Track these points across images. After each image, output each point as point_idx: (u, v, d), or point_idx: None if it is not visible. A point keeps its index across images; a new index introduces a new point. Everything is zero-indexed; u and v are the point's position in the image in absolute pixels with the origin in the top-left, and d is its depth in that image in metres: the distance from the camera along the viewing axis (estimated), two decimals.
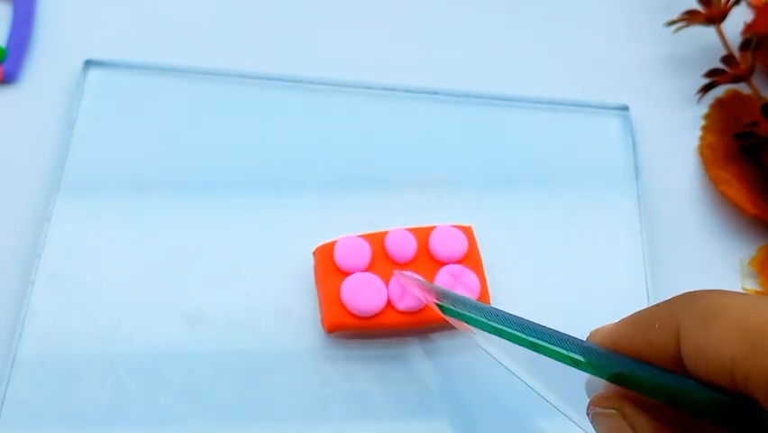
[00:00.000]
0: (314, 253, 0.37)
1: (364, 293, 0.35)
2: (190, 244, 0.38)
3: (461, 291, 0.36)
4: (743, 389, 0.22)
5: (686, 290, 0.25)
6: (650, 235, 0.41)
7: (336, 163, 0.41)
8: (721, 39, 0.45)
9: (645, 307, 0.26)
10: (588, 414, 0.26)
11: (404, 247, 0.37)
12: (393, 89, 0.43)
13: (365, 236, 0.37)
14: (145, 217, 0.39)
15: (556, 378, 0.29)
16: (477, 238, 0.38)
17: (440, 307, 0.34)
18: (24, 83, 0.43)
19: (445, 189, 0.41)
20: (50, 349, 0.35)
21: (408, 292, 0.35)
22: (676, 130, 0.45)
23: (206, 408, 0.35)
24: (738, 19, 0.47)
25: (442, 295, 0.34)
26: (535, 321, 0.28)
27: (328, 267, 0.36)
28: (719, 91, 0.45)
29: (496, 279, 0.38)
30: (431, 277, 0.36)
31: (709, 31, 0.46)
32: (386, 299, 0.35)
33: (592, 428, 0.26)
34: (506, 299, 0.38)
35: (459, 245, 0.37)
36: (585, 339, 0.27)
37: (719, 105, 0.45)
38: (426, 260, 0.37)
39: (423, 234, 0.37)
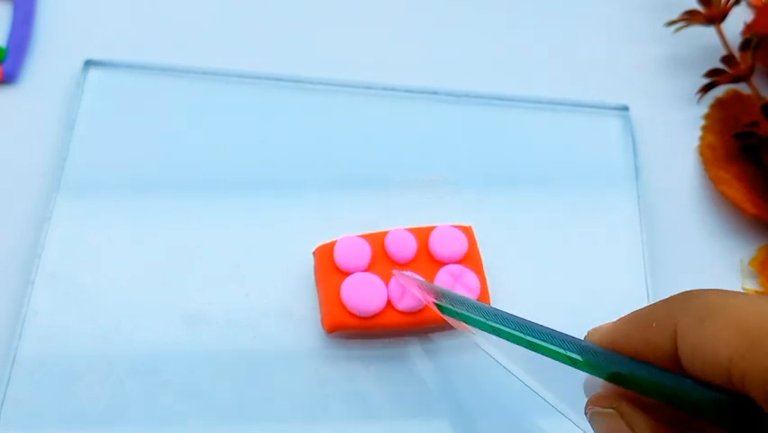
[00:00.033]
0: (314, 253, 0.37)
1: (364, 293, 0.35)
2: (190, 244, 0.38)
3: (460, 291, 0.36)
4: (740, 388, 0.22)
5: (685, 290, 0.25)
6: (650, 235, 0.41)
7: (336, 163, 0.41)
8: (721, 39, 0.45)
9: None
10: (586, 413, 0.26)
11: (404, 247, 0.37)
12: (393, 89, 0.43)
13: (365, 236, 0.37)
14: (145, 217, 0.39)
15: (554, 378, 0.29)
16: (477, 238, 0.38)
17: (438, 306, 0.34)
18: (24, 83, 0.43)
19: (445, 189, 0.41)
20: (50, 349, 0.35)
21: (408, 292, 0.35)
22: (676, 130, 0.45)
23: (206, 408, 0.35)
24: (738, 19, 0.47)
25: (440, 295, 0.34)
26: (535, 321, 0.28)
27: (328, 267, 0.36)
28: (719, 91, 0.45)
29: (496, 279, 0.38)
30: (431, 277, 0.36)
31: (709, 31, 0.46)
32: (386, 299, 0.35)
33: (590, 427, 0.26)
34: (506, 299, 0.38)
35: (459, 245, 0.37)
36: (583, 338, 0.27)
37: (719, 105, 0.45)
38: (426, 260, 0.37)
39: (423, 234, 0.37)
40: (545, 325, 0.28)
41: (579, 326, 0.28)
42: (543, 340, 0.27)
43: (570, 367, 0.26)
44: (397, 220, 0.38)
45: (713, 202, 0.43)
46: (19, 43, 0.43)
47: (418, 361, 0.36)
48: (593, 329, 0.27)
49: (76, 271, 0.37)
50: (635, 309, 0.26)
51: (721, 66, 0.44)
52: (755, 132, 0.42)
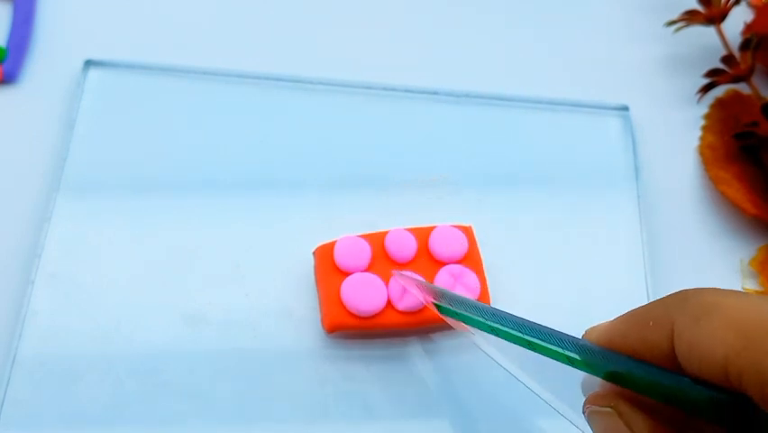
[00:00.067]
0: (314, 253, 0.37)
1: (364, 293, 0.35)
2: (190, 244, 0.38)
3: (460, 291, 0.36)
4: (736, 386, 0.22)
5: (682, 289, 0.25)
6: (650, 235, 0.41)
7: (336, 163, 0.41)
8: (721, 39, 0.45)
9: None
10: (584, 412, 0.26)
11: (404, 247, 0.37)
12: (393, 89, 0.43)
13: (365, 236, 0.37)
14: (145, 217, 0.39)
15: (553, 377, 0.29)
16: (477, 238, 0.38)
17: (438, 307, 0.34)
18: (24, 83, 0.43)
19: (445, 189, 0.41)
20: (50, 349, 0.35)
21: (408, 292, 0.35)
22: (676, 130, 0.45)
23: (206, 408, 0.35)
24: (738, 19, 0.47)
25: (440, 295, 0.34)
26: (534, 321, 0.28)
27: (328, 267, 0.36)
28: (719, 91, 0.45)
29: (496, 279, 0.38)
30: (431, 277, 0.36)
31: (709, 31, 0.46)
32: (386, 299, 0.35)
33: (588, 427, 0.26)
34: (506, 299, 0.38)
35: (459, 245, 0.37)
36: (581, 338, 0.27)
37: (719, 105, 0.45)
38: (426, 260, 0.37)
39: (423, 235, 0.37)
40: (545, 324, 0.28)
41: (579, 326, 0.28)
42: (541, 339, 0.27)
43: (568, 367, 0.26)
44: (397, 220, 0.38)
45: (713, 202, 0.43)
46: (19, 43, 0.43)
47: (418, 361, 0.36)
48: (590, 328, 0.27)
49: (76, 271, 0.37)
50: (632, 308, 0.26)
51: (721, 66, 0.44)
52: (755, 132, 0.42)
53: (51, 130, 0.41)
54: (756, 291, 0.40)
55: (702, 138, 0.44)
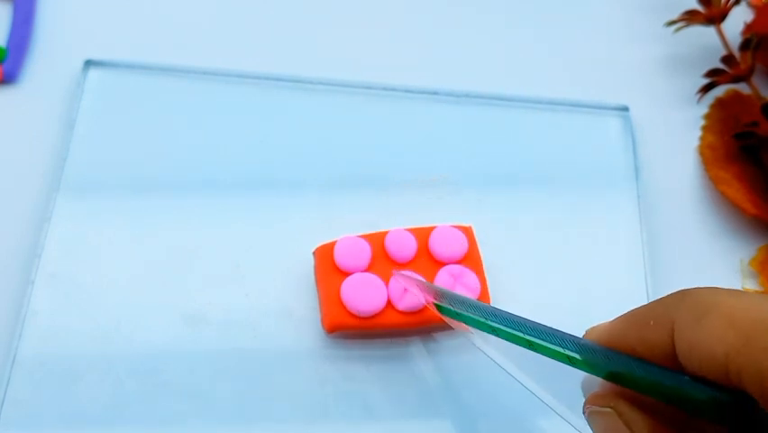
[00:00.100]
0: (314, 253, 0.37)
1: (364, 293, 0.35)
2: (190, 244, 0.38)
3: (460, 291, 0.36)
4: (737, 384, 0.22)
5: (682, 289, 0.25)
6: (650, 235, 0.41)
7: (336, 163, 0.41)
8: (721, 39, 0.45)
9: None
10: (584, 413, 0.26)
11: (404, 247, 0.37)
12: (393, 89, 0.43)
13: (365, 236, 0.37)
14: (145, 217, 0.39)
15: (552, 378, 0.29)
16: (477, 238, 0.38)
17: (438, 307, 0.34)
18: (24, 83, 0.43)
19: (445, 189, 0.41)
20: (50, 349, 0.35)
21: (408, 292, 0.35)
22: (676, 130, 0.45)
23: (206, 408, 0.35)
24: (738, 19, 0.46)
25: (440, 295, 0.34)
26: (535, 321, 0.28)
27: (328, 267, 0.36)
28: (719, 91, 0.45)
29: (496, 279, 0.38)
30: (431, 277, 0.36)
31: (709, 31, 0.46)
32: (386, 299, 0.35)
33: (588, 427, 0.26)
34: (506, 299, 0.38)
35: (459, 245, 0.37)
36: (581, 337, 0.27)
37: (719, 105, 0.45)
38: (426, 260, 0.37)
39: (423, 235, 0.37)
40: (545, 324, 0.28)
41: (579, 325, 0.28)
42: (542, 339, 0.27)
43: (568, 368, 0.26)
44: (397, 220, 0.38)
45: (713, 202, 0.43)
46: (19, 43, 0.43)
47: (419, 361, 0.36)
48: (590, 328, 0.27)
49: (76, 271, 0.37)
50: (632, 308, 0.26)
51: (721, 66, 0.44)
52: (755, 132, 0.42)
53: (51, 130, 0.41)
54: (756, 291, 0.40)
55: (702, 138, 0.44)
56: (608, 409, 0.25)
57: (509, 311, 0.30)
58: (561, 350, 0.26)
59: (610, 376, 0.25)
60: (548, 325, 0.28)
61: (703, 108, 0.45)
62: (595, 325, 0.27)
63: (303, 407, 0.35)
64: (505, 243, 0.39)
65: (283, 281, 0.38)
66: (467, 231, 0.38)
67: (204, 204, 0.39)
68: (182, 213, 0.39)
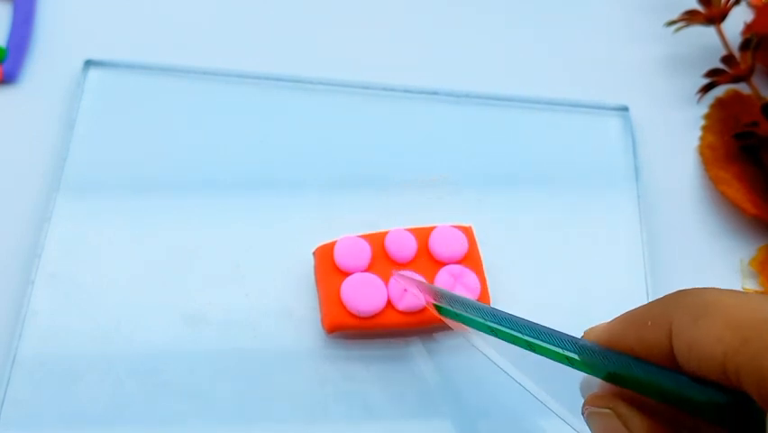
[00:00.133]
0: (314, 253, 0.37)
1: (364, 293, 0.35)
2: (190, 244, 0.38)
3: (461, 291, 0.36)
4: (735, 384, 0.22)
5: (680, 289, 0.25)
6: (650, 235, 0.41)
7: (336, 163, 0.41)
8: (721, 39, 0.45)
9: None
10: (583, 414, 0.26)
11: (404, 247, 0.37)
12: (393, 89, 0.43)
13: (365, 236, 0.37)
14: (145, 217, 0.39)
15: (552, 379, 0.29)
16: (477, 238, 0.38)
17: (437, 308, 0.34)
18: (24, 83, 0.43)
19: (445, 189, 0.41)
20: (50, 349, 0.35)
21: (408, 292, 0.35)
22: (676, 130, 0.45)
23: (206, 408, 0.35)
24: (738, 19, 0.46)
25: (440, 296, 0.34)
26: (535, 321, 0.28)
27: (328, 267, 0.36)
28: (719, 91, 0.45)
29: (496, 279, 0.38)
30: (431, 277, 0.36)
31: (709, 31, 0.46)
32: (386, 299, 0.35)
33: (587, 429, 0.26)
34: (506, 299, 0.38)
35: (459, 245, 0.37)
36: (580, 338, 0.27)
37: (719, 105, 0.45)
38: (426, 260, 0.37)
39: (423, 235, 0.37)
40: (545, 325, 0.28)
41: (579, 326, 0.28)
42: (540, 340, 0.27)
43: (567, 369, 0.26)
44: (397, 220, 0.38)
45: (713, 202, 0.43)
46: (19, 43, 0.43)
47: (419, 361, 0.36)
48: (589, 329, 0.27)
49: (76, 271, 0.37)
50: (631, 309, 0.26)
51: (721, 66, 0.44)
52: (755, 132, 0.42)
53: (51, 130, 0.41)
54: (756, 291, 0.40)
55: (702, 138, 0.44)
56: (607, 410, 0.25)
57: (509, 312, 0.30)
58: (560, 351, 0.26)
59: (609, 377, 0.25)
60: (548, 325, 0.28)
61: (703, 108, 0.45)
62: (594, 325, 0.27)
63: (303, 407, 0.35)
64: (505, 243, 0.39)
65: (283, 281, 0.38)
66: (467, 231, 0.38)
67: (204, 204, 0.39)
68: (182, 213, 0.39)
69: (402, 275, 0.36)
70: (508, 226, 0.40)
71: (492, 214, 0.40)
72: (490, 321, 0.30)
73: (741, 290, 0.40)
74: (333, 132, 0.42)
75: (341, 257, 0.36)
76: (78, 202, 0.38)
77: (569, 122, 0.44)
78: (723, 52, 0.45)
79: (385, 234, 0.37)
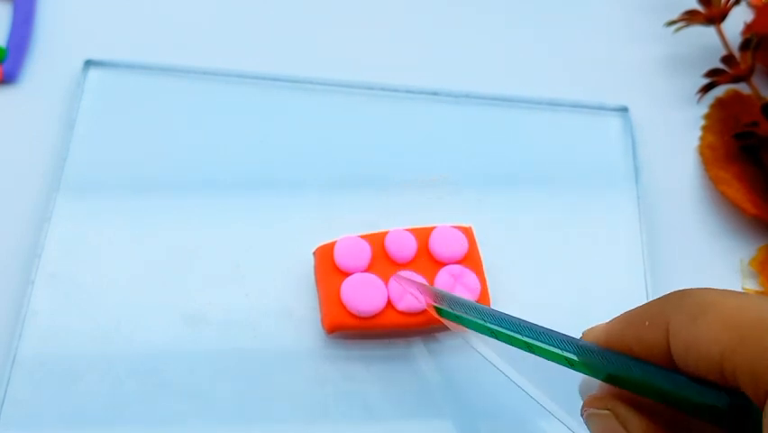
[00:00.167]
0: (314, 253, 0.37)
1: (364, 293, 0.35)
2: (190, 244, 0.38)
3: (461, 292, 0.36)
4: (732, 383, 0.22)
5: (677, 289, 0.25)
6: (650, 235, 0.41)
7: (336, 163, 0.41)
8: (721, 39, 0.45)
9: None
10: (582, 415, 0.26)
11: (404, 247, 0.37)
12: (393, 90, 0.43)
13: (365, 237, 0.37)
14: (145, 217, 0.39)
15: (551, 381, 0.29)
16: (477, 238, 0.38)
17: (437, 309, 0.34)
18: (24, 83, 0.43)
19: (445, 189, 0.41)
20: (50, 349, 0.35)
21: (408, 292, 0.35)
22: (676, 130, 0.45)
23: (206, 408, 0.35)
24: (738, 19, 0.46)
25: (439, 297, 0.34)
26: (535, 321, 0.28)
27: (328, 267, 0.36)
28: (719, 91, 0.45)
29: (496, 279, 0.38)
30: (431, 277, 0.36)
31: (709, 31, 0.46)
32: (386, 300, 0.35)
33: (586, 429, 0.26)
34: (506, 299, 0.38)
35: (459, 246, 0.37)
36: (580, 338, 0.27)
37: (719, 105, 0.45)
38: (426, 260, 0.37)
39: (423, 235, 0.37)
40: (545, 325, 0.28)
41: (579, 326, 0.28)
42: (539, 341, 0.27)
43: (566, 371, 0.26)
44: (397, 220, 0.38)
45: (713, 202, 0.43)
46: (19, 43, 0.43)
47: (419, 361, 0.36)
48: (588, 330, 0.27)
49: (76, 271, 0.37)
50: (629, 309, 0.26)
51: (721, 66, 0.44)
52: (755, 132, 0.42)
53: (51, 130, 0.41)
54: (756, 291, 0.40)
55: (702, 138, 0.44)
56: (606, 411, 0.25)
57: (509, 312, 0.30)
58: (558, 352, 0.26)
59: (608, 378, 0.25)
60: (548, 326, 0.28)
61: (703, 108, 0.45)
62: (592, 326, 0.27)
63: (303, 407, 0.35)
64: (505, 243, 0.39)
65: (283, 281, 0.38)
66: (467, 231, 0.38)
67: (204, 204, 0.39)
68: (182, 213, 0.39)
69: (402, 277, 0.35)
70: (508, 226, 0.40)
71: (492, 214, 0.40)
72: (490, 323, 0.30)
73: (741, 290, 0.40)
74: (333, 132, 0.42)
75: (341, 257, 0.36)
76: (78, 202, 0.38)
77: (569, 122, 0.44)
78: (723, 52, 0.45)
79: (385, 234, 0.37)
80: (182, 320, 0.36)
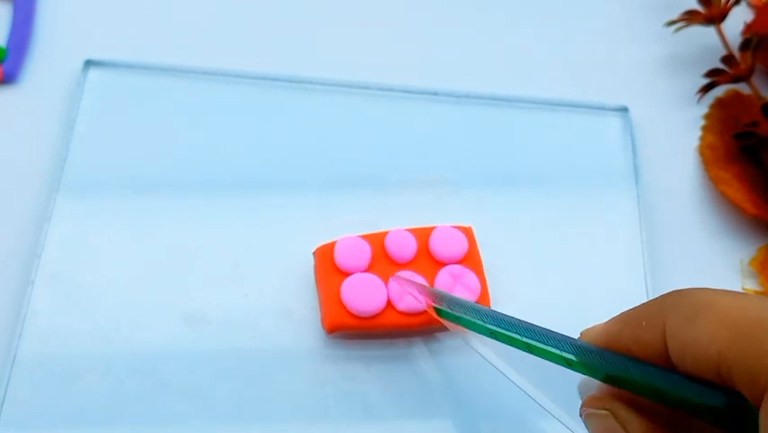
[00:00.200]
0: (314, 253, 0.37)
1: (364, 293, 0.35)
2: (190, 244, 0.38)
3: (460, 292, 0.36)
4: (729, 382, 0.22)
5: (674, 289, 0.25)
6: (650, 235, 0.41)
7: (336, 163, 0.41)
8: (721, 39, 0.45)
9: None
10: (581, 415, 0.26)
11: (404, 247, 0.37)
12: (393, 90, 0.43)
13: (365, 237, 0.37)
14: (145, 217, 0.39)
15: (550, 381, 0.29)
16: (477, 238, 0.38)
17: (436, 310, 0.34)
18: (24, 83, 0.43)
19: (445, 189, 0.41)
20: (50, 349, 0.35)
21: (408, 293, 0.35)
22: (676, 130, 0.45)
23: (206, 408, 0.35)
24: (738, 19, 0.46)
25: (438, 298, 0.34)
26: (534, 321, 0.28)
27: (328, 267, 0.36)
28: (719, 91, 0.45)
29: (496, 279, 0.38)
30: (431, 277, 0.36)
31: (709, 31, 0.46)
32: (386, 300, 0.35)
33: (585, 430, 0.26)
34: (505, 299, 0.38)
35: (459, 246, 0.37)
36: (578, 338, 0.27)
37: (719, 105, 0.45)
38: (426, 260, 0.37)
39: (423, 235, 0.37)
40: (544, 325, 0.28)
41: (578, 326, 0.28)
42: (539, 341, 0.27)
43: (565, 371, 0.26)
44: (397, 220, 0.38)
45: (713, 202, 0.43)
46: (19, 43, 0.43)
47: (419, 361, 0.36)
48: (586, 330, 0.27)
49: (76, 271, 0.37)
50: (626, 309, 0.26)
51: (721, 66, 0.44)
52: (755, 132, 0.42)
53: (51, 130, 0.41)
54: (756, 291, 0.40)
55: (702, 138, 0.44)
56: (605, 412, 0.25)
57: (509, 312, 0.30)
58: (557, 352, 0.26)
59: (606, 378, 0.25)
60: (547, 325, 0.28)
61: (703, 108, 0.45)
62: (589, 327, 0.27)
63: (303, 407, 0.35)
64: (505, 243, 0.39)
65: (283, 281, 0.38)
66: (467, 231, 0.38)
67: (203, 204, 0.39)
68: (182, 213, 0.39)
69: (401, 277, 0.35)
70: (508, 226, 0.40)
71: (492, 214, 0.40)
72: (489, 323, 0.30)
73: (741, 290, 0.40)
74: (332, 132, 0.42)
75: (341, 257, 0.36)
76: (78, 202, 0.38)
77: (569, 122, 0.44)
78: (723, 52, 0.45)
79: (385, 234, 0.37)
80: (182, 320, 0.36)
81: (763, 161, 0.42)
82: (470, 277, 0.36)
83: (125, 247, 0.38)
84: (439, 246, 0.37)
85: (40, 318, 0.36)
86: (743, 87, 0.45)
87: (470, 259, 0.37)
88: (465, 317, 0.31)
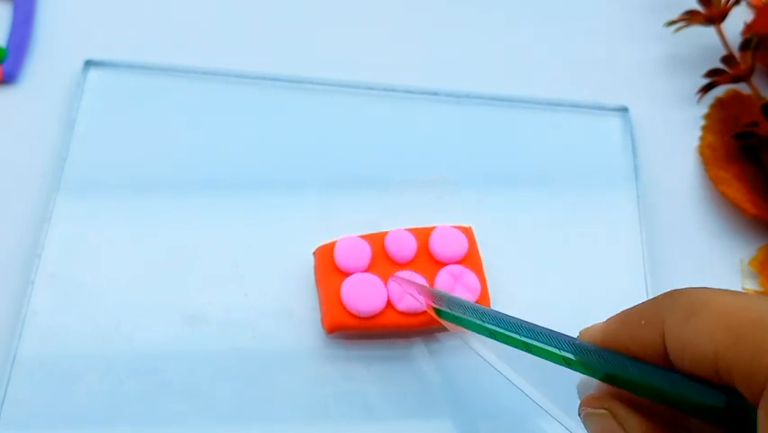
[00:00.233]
0: (314, 253, 0.37)
1: (364, 293, 0.35)
2: (190, 244, 0.38)
3: (460, 292, 0.36)
4: (727, 381, 0.22)
5: (673, 289, 0.25)
6: (650, 235, 0.41)
7: (336, 163, 0.41)
8: (721, 39, 0.45)
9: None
10: (579, 415, 0.26)
11: (404, 247, 0.37)
12: (393, 90, 0.43)
13: (365, 237, 0.37)
14: (145, 217, 0.39)
15: (549, 381, 0.29)
16: (477, 238, 0.38)
17: (436, 310, 0.34)
18: (24, 83, 0.43)
19: (445, 189, 0.41)
20: (50, 349, 0.35)
21: (407, 293, 0.35)
22: (676, 130, 0.45)
23: (206, 408, 0.35)
24: (738, 19, 0.46)
25: (437, 298, 0.34)
26: (535, 321, 0.28)
27: (328, 267, 0.36)
28: (719, 91, 0.45)
29: (496, 279, 0.38)
30: (431, 277, 0.36)
31: (709, 31, 0.46)
32: (386, 300, 0.35)
33: (584, 429, 0.26)
34: (505, 299, 0.38)
35: (459, 246, 0.37)
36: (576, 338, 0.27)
37: (719, 105, 0.45)
38: (426, 260, 0.37)
39: (423, 235, 0.37)
40: (544, 325, 0.28)
41: (578, 326, 0.28)
42: (538, 340, 0.27)
43: (564, 371, 0.26)
44: (397, 220, 0.38)
45: (713, 202, 0.43)
46: (19, 43, 0.43)
47: (419, 361, 0.36)
48: (584, 329, 0.27)
49: (76, 271, 0.37)
50: (625, 309, 0.26)
51: (721, 66, 0.44)
52: (755, 132, 0.42)
53: (51, 130, 0.41)
54: (756, 291, 0.40)
55: (702, 138, 0.44)
56: (603, 411, 0.25)
57: (509, 312, 0.30)
58: (556, 351, 0.26)
59: (605, 378, 0.25)
60: (547, 326, 0.28)
61: (703, 108, 0.45)
62: (588, 326, 0.27)
63: (303, 407, 0.35)
64: (505, 243, 0.39)
65: (283, 281, 0.38)
66: (467, 231, 0.38)
67: (203, 204, 0.39)
68: (182, 213, 0.39)
69: (401, 278, 0.35)
70: (508, 226, 0.40)
71: (492, 214, 0.40)
72: (487, 323, 0.30)
73: (741, 290, 0.40)
74: (332, 132, 0.42)
75: (341, 257, 0.36)
76: (78, 202, 0.38)
77: (569, 122, 0.44)
78: (723, 52, 0.45)
79: (385, 234, 0.37)
80: (182, 320, 0.36)
81: (763, 161, 0.42)
82: (470, 277, 0.36)
83: (125, 247, 0.38)
84: (439, 246, 0.37)
85: (40, 318, 0.36)
86: (743, 87, 0.45)
87: (470, 259, 0.37)
88: (464, 316, 0.31)
